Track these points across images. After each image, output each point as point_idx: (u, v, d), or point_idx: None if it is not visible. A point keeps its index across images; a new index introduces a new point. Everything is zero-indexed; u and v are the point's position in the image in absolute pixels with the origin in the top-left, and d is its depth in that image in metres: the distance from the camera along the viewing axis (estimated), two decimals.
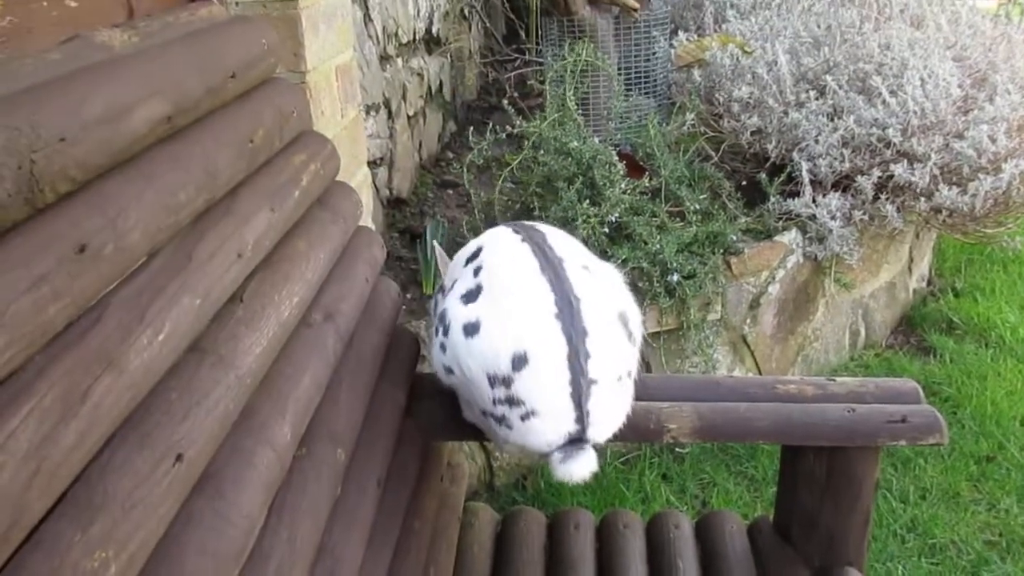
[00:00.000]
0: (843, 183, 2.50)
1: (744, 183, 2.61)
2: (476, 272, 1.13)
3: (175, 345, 0.81)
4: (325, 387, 1.06)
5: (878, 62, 2.61)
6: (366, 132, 2.20)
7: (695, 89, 2.82)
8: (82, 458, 0.66)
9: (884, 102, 2.46)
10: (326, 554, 0.94)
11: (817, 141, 2.48)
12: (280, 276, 1.04)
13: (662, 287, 2.15)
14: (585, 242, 1.68)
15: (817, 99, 2.55)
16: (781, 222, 2.45)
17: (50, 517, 0.62)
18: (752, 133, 2.61)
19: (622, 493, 2.15)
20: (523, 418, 1.04)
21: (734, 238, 2.33)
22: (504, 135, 2.38)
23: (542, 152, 2.38)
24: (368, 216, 1.76)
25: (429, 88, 3.01)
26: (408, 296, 2.18)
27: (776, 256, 2.39)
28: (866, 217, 2.45)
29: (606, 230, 2.20)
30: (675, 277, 2.16)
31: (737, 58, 2.76)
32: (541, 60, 3.27)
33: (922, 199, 2.44)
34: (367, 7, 2.38)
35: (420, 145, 2.90)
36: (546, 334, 1.03)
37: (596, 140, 2.44)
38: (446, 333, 1.09)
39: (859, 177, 2.43)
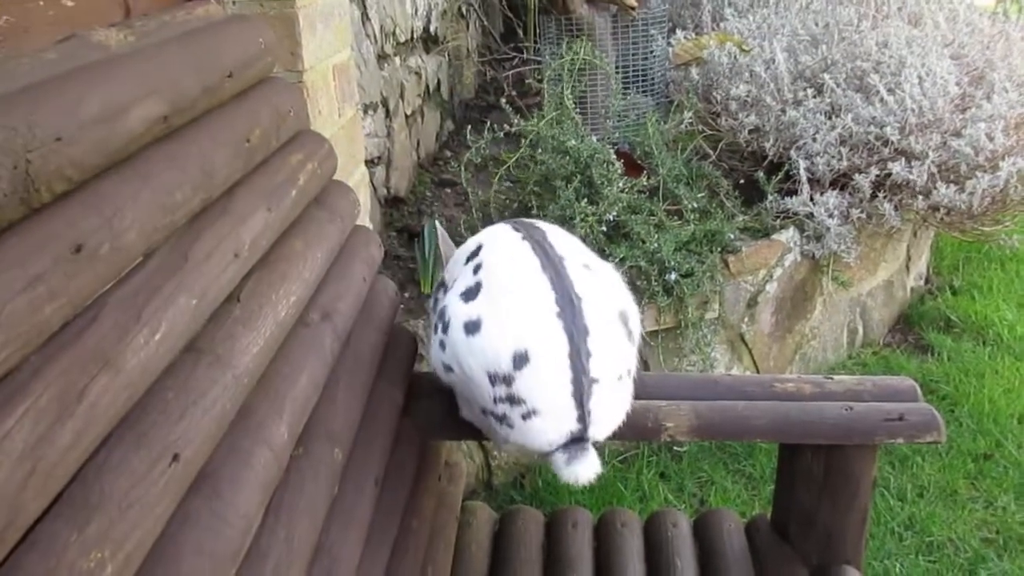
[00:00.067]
0: (841, 181, 2.50)
1: (742, 181, 2.62)
2: (476, 270, 1.13)
3: (171, 345, 0.81)
4: (322, 386, 1.06)
5: (876, 60, 2.61)
6: (364, 131, 2.20)
7: (693, 87, 2.82)
8: (78, 458, 0.66)
9: (882, 100, 2.46)
10: (323, 553, 0.94)
11: (815, 139, 2.48)
12: (277, 276, 1.04)
13: (660, 286, 2.15)
14: (583, 241, 1.68)
15: (815, 97, 2.55)
16: (779, 220, 2.45)
17: (46, 517, 0.62)
18: (750, 131, 2.61)
19: (620, 492, 2.15)
20: (524, 417, 1.04)
21: (732, 236, 2.33)
22: (502, 134, 2.38)
23: (540, 151, 2.37)
24: (365, 215, 1.76)
25: (427, 87, 3.01)
26: (406, 295, 2.18)
27: (774, 254, 2.39)
28: (864, 215, 2.45)
29: (604, 229, 2.20)
30: (673, 276, 2.16)
31: (735, 56, 2.76)
32: (539, 59, 3.27)
33: (920, 197, 2.44)
34: (365, 6, 2.38)
35: (418, 144, 2.90)
36: (547, 333, 1.03)
37: (594, 139, 2.44)
38: (446, 331, 1.09)
39: (857, 175, 2.43)
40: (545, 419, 1.04)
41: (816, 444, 1.25)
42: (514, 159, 2.44)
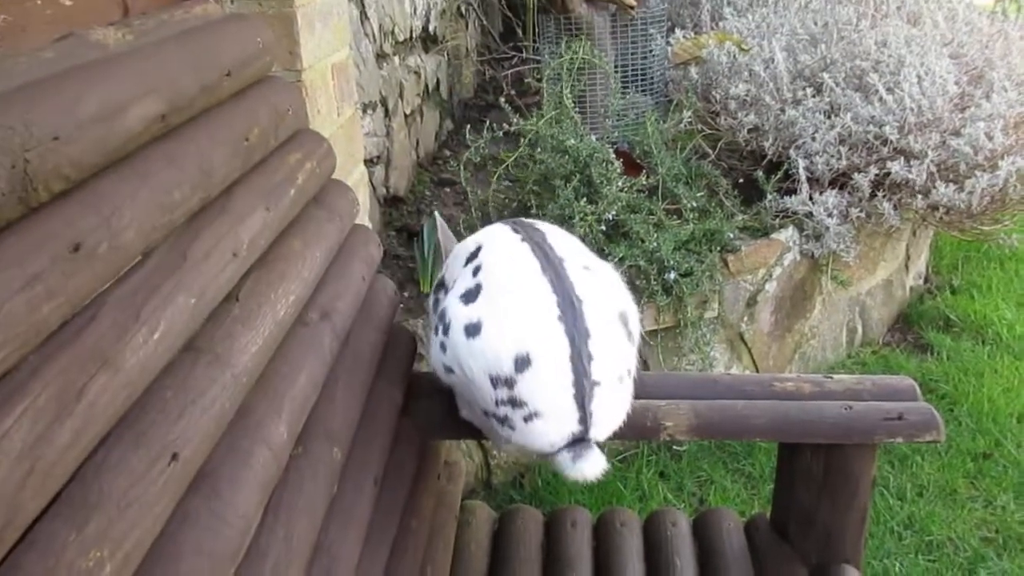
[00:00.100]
0: (840, 180, 2.50)
1: (741, 181, 2.62)
2: (475, 272, 1.12)
3: (170, 344, 0.81)
4: (321, 386, 1.06)
5: (875, 59, 2.61)
6: (363, 130, 2.20)
7: (692, 87, 2.82)
8: (77, 457, 0.66)
9: (881, 99, 2.46)
10: (323, 553, 0.94)
11: (814, 139, 2.48)
12: (276, 275, 1.04)
13: (659, 285, 2.15)
14: (582, 240, 1.67)
15: (814, 96, 2.55)
16: (778, 220, 2.45)
17: (45, 517, 0.62)
18: (749, 131, 2.61)
19: (620, 491, 2.15)
20: (526, 419, 1.04)
21: (731, 236, 2.33)
22: (501, 133, 2.38)
23: (539, 150, 2.37)
24: (364, 214, 1.76)
25: (426, 86, 3.01)
26: (405, 294, 2.18)
27: (773, 254, 2.39)
28: (863, 214, 2.45)
29: (603, 228, 2.20)
30: (672, 275, 2.16)
31: (734, 56, 2.76)
32: (538, 58, 3.27)
33: (919, 196, 2.44)
34: (363, 5, 2.37)
35: (417, 143, 2.90)
36: (549, 335, 1.03)
37: (593, 138, 2.44)
38: (446, 332, 1.09)
39: (856, 174, 2.43)
40: (547, 421, 1.04)
41: (815, 443, 1.25)
42: (513, 158, 2.44)
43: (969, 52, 2.77)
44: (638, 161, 2.50)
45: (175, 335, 0.81)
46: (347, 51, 1.67)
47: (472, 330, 1.05)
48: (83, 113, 0.77)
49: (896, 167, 2.39)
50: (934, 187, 2.39)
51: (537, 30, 3.20)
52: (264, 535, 0.84)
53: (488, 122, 2.43)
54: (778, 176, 2.48)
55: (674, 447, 2.31)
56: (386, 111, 2.55)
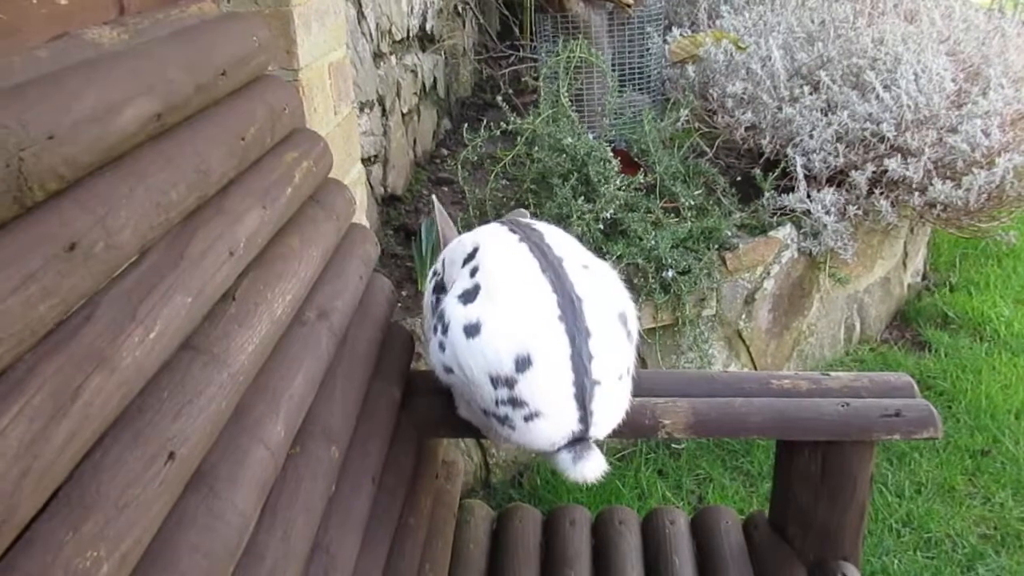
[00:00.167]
0: (837, 178, 2.51)
1: (739, 179, 2.62)
2: (473, 272, 1.12)
3: (167, 343, 0.80)
4: (319, 385, 1.06)
5: (872, 57, 2.61)
6: (360, 129, 2.20)
7: (689, 85, 2.82)
8: (73, 457, 0.66)
9: (878, 97, 2.46)
10: (321, 552, 0.94)
11: (811, 136, 2.48)
12: (273, 274, 1.04)
13: (657, 283, 2.15)
14: (580, 239, 1.67)
15: (811, 94, 2.55)
16: (776, 217, 2.45)
17: (41, 516, 0.62)
18: (746, 129, 2.61)
19: (618, 489, 2.15)
20: (527, 419, 1.04)
21: (729, 234, 2.33)
22: (498, 132, 2.37)
23: (536, 149, 2.37)
24: (362, 213, 1.76)
25: (423, 85, 3.01)
26: (403, 293, 2.18)
27: (771, 251, 2.39)
28: (860, 212, 2.45)
29: (601, 227, 2.19)
30: (670, 273, 2.16)
31: (731, 54, 2.76)
32: (535, 56, 3.26)
33: (916, 194, 2.44)
34: (360, 4, 2.37)
35: (415, 142, 2.90)
36: (549, 335, 1.03)
37: (590, 136, 2.43)
38: (445, 332, 1.08)
39: (853, 172, 2.43)
40: (547, 421, 1.04)
41: (813, 441, 1.25)
42: (510, 157, 2.44)
43: (966, 49, 2.77)
44: (635, 159, 2.50)
45: (172, 334, 0.81)
46: (344, 50, 1.67)
47: (471, 330, 1.05)
48: (78, 112, 0.77)
49: (893, 164, 2.39)
50: (931, 184, 2.39)
51: (534, 29, 3.20)
52: (262, 534, 0.84)
53: (485, 121, 2.43)
54: (776, 174, 2.48)
55: (673, 445, 2.31)
56: (383, 110, 2.55)
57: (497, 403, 1.05)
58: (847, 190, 2.47)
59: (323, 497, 0.96)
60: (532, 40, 3.45)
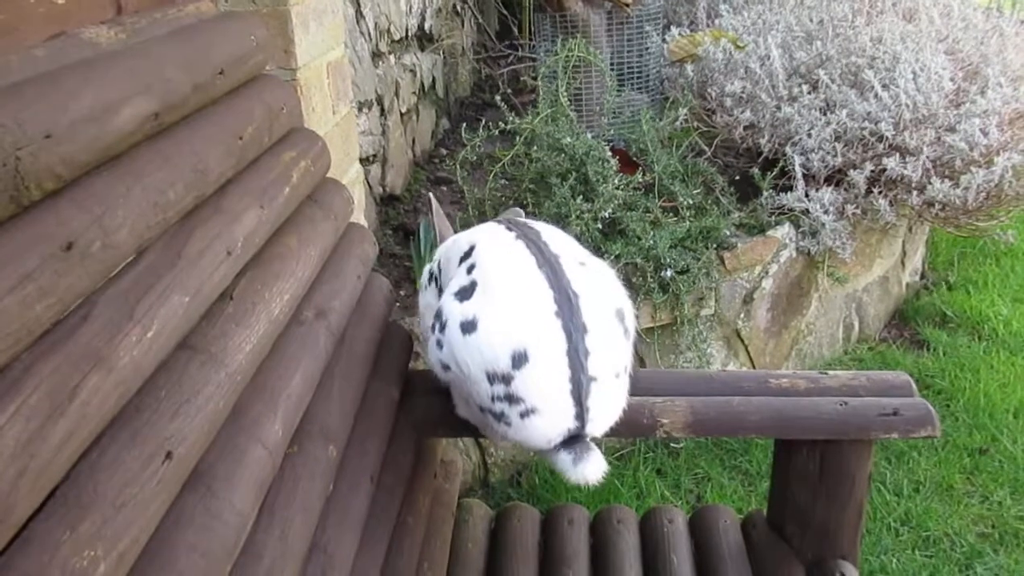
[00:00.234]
0: (836, 177, 2.51)
1: (737, 178, 2.62)
2: (470, 270, 1.12)
3: (164, 343, 0.80)
4: (317, 384, 1.06)
5: (870, 56, 2.61)
6: (359, 129, 2.20)
7: (688, 84, 2.82)
8: (71, 456, 0.66)
9: (876, 96, 2.46)
10: (319, 551, 0.94)
11: (810, 135, 2.48)
12: (271, 273, 1.04)
13: (656, 282, 2.15)
14: (578, 238, 1.67)
15: (810, 93, 2.56)
16: (774, 217, 2.45)
17: (38, 515, 0.62)
18: (745, 128, 2.61)
19: (617, 489, 2.15)
20: (523, 415, 1.04)
21: (727, 233, 2.33)
22: (497, 131, 2.37)
23: (535, 148, 2.37)
24: (360, 213, 1.76)
25: (422, 85, 3.01)
26: (401, 292, 2.18)
27: (769, 250, 2.40)
28: (859, 211, 2.45)
29: (599, 226, 2.19)
30: (669, 272, 2.16)
31: (730, 53, 2.76)
32: (534, 56, 3.26)
33: (914, 193, 2.44)
34: (359, 4, 2.37)
35: (413, 142, 2.90)
36: (546, 331, 1.03)
37: (589, 136, 2.43)
38: (442, 330, 1.09)
39: (852, 171, 2.43)
40: (544, 417, 1.04)
41: (812, 439, 1.25)
42: (509, 156, 2.44)
43: (964, 48, 2.77)
44: (634, 159, 2.50)
45: (169, 334, 0.81)
46: (342, 49, 1.67)
47: (468, 327, 1.05)
48: (76, 112, 0.77)
49: (892, 163, 2.39)
50: (930, 183, 2.39)
51: (533, 28, 3.20)
52: (260, 533, 0.84)
53: (484, 120, 2.43)
54: (774, 173, 2.48)
55: (671, 444, 2.31)
56: (382, 110, 2.55)
57: (493, 399, 1.05)
58: (845, 189, 2.47)
59: (321, 496, 0.96)
60: (531, 39, 3.45)
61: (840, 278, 2.59)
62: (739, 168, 2.67)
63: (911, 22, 2.88)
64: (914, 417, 1.20)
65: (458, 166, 2.44)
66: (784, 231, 2.43)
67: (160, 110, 0.92)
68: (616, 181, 2.25)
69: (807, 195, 2.43)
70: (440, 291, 1.20)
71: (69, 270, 0.71)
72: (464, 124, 2.56)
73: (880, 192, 2.44)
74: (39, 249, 0.68)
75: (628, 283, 2.07)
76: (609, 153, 2.31)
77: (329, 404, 1.06)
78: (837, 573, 1.26)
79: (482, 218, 2.29)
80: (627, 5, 2.88)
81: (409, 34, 2.88)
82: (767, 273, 2.42)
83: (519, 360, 1.02)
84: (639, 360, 2.27)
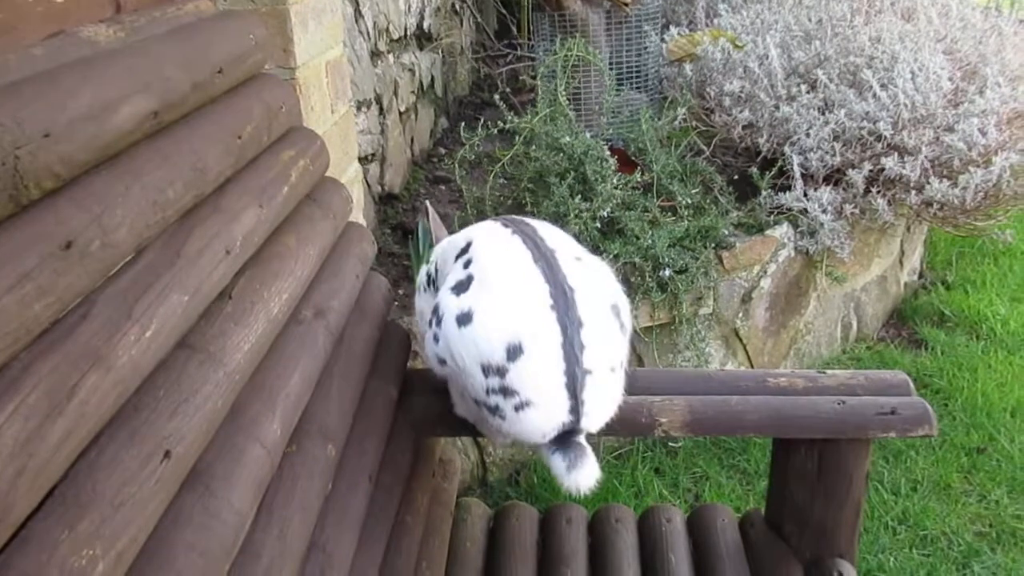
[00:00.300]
0: (834, 177, 2.51)
1: (736, 177, 2.62)
2: (466, 264, 1.13)
3: (163, 342, 0.80)
4: (316, 383, 1.06)
5: (869, 55, 2.61)
6: (357, 128, 2.20)
7: (686, 84, 2.82)
8: (69, 455, 0.66)
9: (875, 95, 2.47)
10: (317, 550, 0.94)
11: (808, 135, 2.48)
12: (269, 273, 1.04)
13: (654, 282, 2.15)
14: (577, 237, 1.67)
15: (808, 93, 2.56)
16: (773, 216, 2.45)
17: (37, 515, 0.62)
18: (743, 127, 2.61)
19: (615, 488, 2.15)
20: (517, 408, 1.04)
21: (726, 232, 2.33)
22: (496, 131, 2.37)
23: (534, 147, 2.37)
24: (359, 212, 1.76)
25: (421, 84, 3.01)
26: (400, 292, 2.18)
27: (768, 250, 2.40)
28: (857, 211, 2.46)
29: (598, 225, 2.19)
30: (667, 272, 2.16)
31: (728, 52, 2.76)
32: (533, 55, 3.26)
33: (913, 192, 2.44)
34: (358, 3, 2.37)
35: (412, 141, 2.89)
36: (541, 324, 1.03)
37: (588, 135, 2.43)
38: (439, 324, 1.09)
39: (850, 171, 2.43)
40: (538, 410, 1.04)
41: (810, 438, 1.25)
42: (508, 156, 2.44)
43: (963, 48, 2.78)
44: (633, 158, 2.50)
45: (168, 333, 0.81)
46: (341, 48, 1.67)
47: (463, 319, 1.05)
48: (74, 110, 0.77)
49: (890, 163, 2.39)
50: (928, 183, 2.40)
51: (532, 27, 3.20)
52: (258, 533, 0.84)
53: (483, 120, 2.43)
54: (772, 173, 2.48)
55: (669, 443, 2.32)
56: (381, 109, 2.55)
57: (488, 392, 1.04)
58: (844, 189, 2.47)
59: (320, 496, 0.97)
60: (530, 39, 3.44)
61: (838, 277, 2.60)
62: (738, 167, 2.67)
63: (909, 22, 2.88)
64: (912, 416, 1.20)
65: (457, 165, 2.44)
66: (782, 231, 2.43)
67: (159, 109, 0.92)
68: (615, 180, 2.25)
69: (805, 195, 2.43)
70: (437, 292, 1.20)
71: (68, 269, 0.71)
72: (463, 123, 2.55)
73: (878, 192, 2.44)
74: (38, 248, 0.68)
75: (626, 282, 2.08)
76: (608, 152, 2.31)
77: (328, 403, 1.06)
78: (835, 572, 1.26)
79: (480, 217, 2.29)
80: (626, 4, 2.88)
81: (408, 33, 2.88)
82: (765, 272, 2.42)
83: (514, 352, 1.02)
84: (637, 359, 2.27)
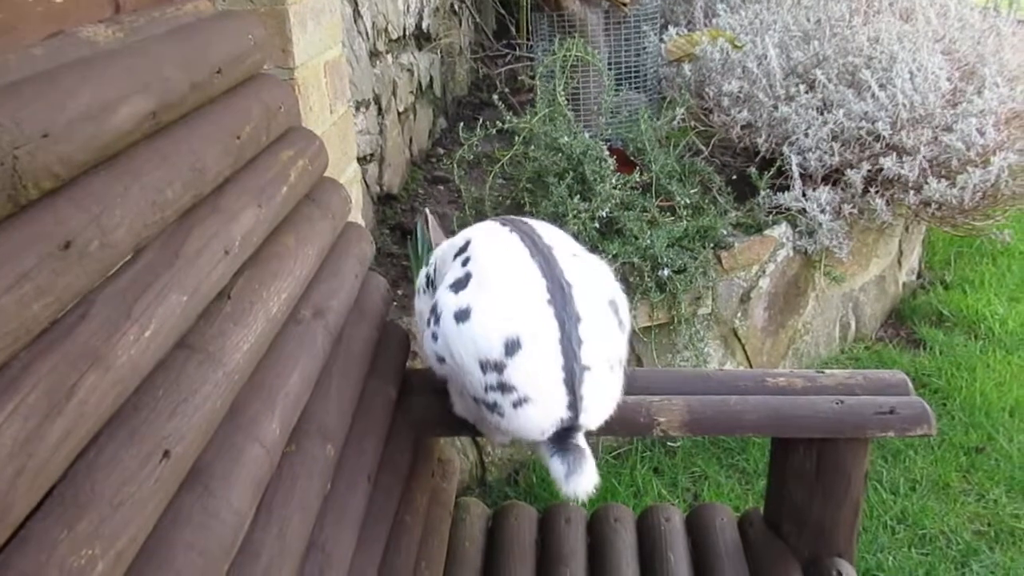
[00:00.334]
0: (833, 177, 2.51)
1: (734, 177, 2.62)
2: (465, 263, 1.13)
3: (162, 342, 0.81)
4: (315, 383, 1.06)
5: (867, 56, 2.61)
6: (356, 128, 2.20)
7: (685, 84, 2.82)
8: (68, 455, 0.66)
9: (873, 95, 2.47)
10: (316, 550, 0.94)
11: (807, 135, 2.48)
12: (268, 272, 1.04)
13: (653, 282, 2.15)
14: (576, 237, 1.67)
15: (807, 93, 2.56)
16: (771, 216, 2.45)
17: (36, 514, 0.62)
18: (742, 127, 2.61)
19: (614, 487, 2.15)
20: (516, 405, 1.04)
21: (725, 232, 2.33)
22: (494, 131, 2.38)
23: (532, 148, 2.37)
24: (358, 212, 1.76)
25: (419, 84, 3.01)
26: (399, 292, 2.18)
27: (766, 250, 2.40)
28: (855, 211, 2.46)
29: (597, 225, 2.20)
30: (666, 272, 2.16)
31: (727, 52, 2.76)
32: (531, 55, 3.27)
33: (911, 192, 2.44)
34: (356, 3, 2.37)
35: (411, 141, 2.90)
36: (538, 319, 1.03)
37: (586, 135, 2.44)
38: (437, 322, 1.09)
39: (848, 171, 2.44)
40: (536, 406, 1.04)
41: (808, 438, 1.25)
42: (508, 156, 2.44)
43: (961, 48, 2.78)
44: (631, 158, 2.50)
45: (167, 333, 0.81)
46: (340, 49, 1.67)
47: (461, 316, 1.05)
48: (73, 110, 0.77)
49: (888, 163, 2.39)
50: (926, 183, 2.40)
51: (530, 27, 3.20)
52: (257, 532, 0.84)
53: (482, 120, 2.43)
54: (771, 173, 2.48)
55: (668, 443, 2.32)
56: (379, 109, 2.55)
57: (487, 389, 1.04)
58: (842, 189, 2.47)
59: (319, 495, 0.97)
60: (528, 39, 3.44)
61: (837, 277, 2.60)
62: (736, 167, 2.68)
63: (908, 22, 2.89)
64: (910, 416, 1.20)
65: (455, 165, 2.44)
66: (781, 230, 2.43)
67: (158, 109, 0.92)
68: (613, 180, 2.25)
69: (804, 195, 2.44)
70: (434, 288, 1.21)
71: (67, 269, 0.71)
72: (461, 123, 2.55)
73: (877, 192, 2.45)
74: (37, 248, 0.68)
75: (625, 282, 2.08)
76: (606, 152, 2.32)
77: (327, 403, 1.06)
78: (833, 571, 1.26)
79: (480, 217, 2.29)
80: (624, 4, 2.89)
81: (407, 33, 2.88)
82: (764, 272, 2.42)
83: (511, 348, 1.02)
84: (636, 359, 2.27)
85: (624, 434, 2.10)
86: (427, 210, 1.45)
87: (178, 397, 0.79)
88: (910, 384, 1.28)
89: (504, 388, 1.03)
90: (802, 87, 2.57)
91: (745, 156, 2.71)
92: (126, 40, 0.98)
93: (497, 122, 2.36)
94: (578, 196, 2.21)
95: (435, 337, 1.09)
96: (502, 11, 3.75)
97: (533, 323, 1.03)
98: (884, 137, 2.43)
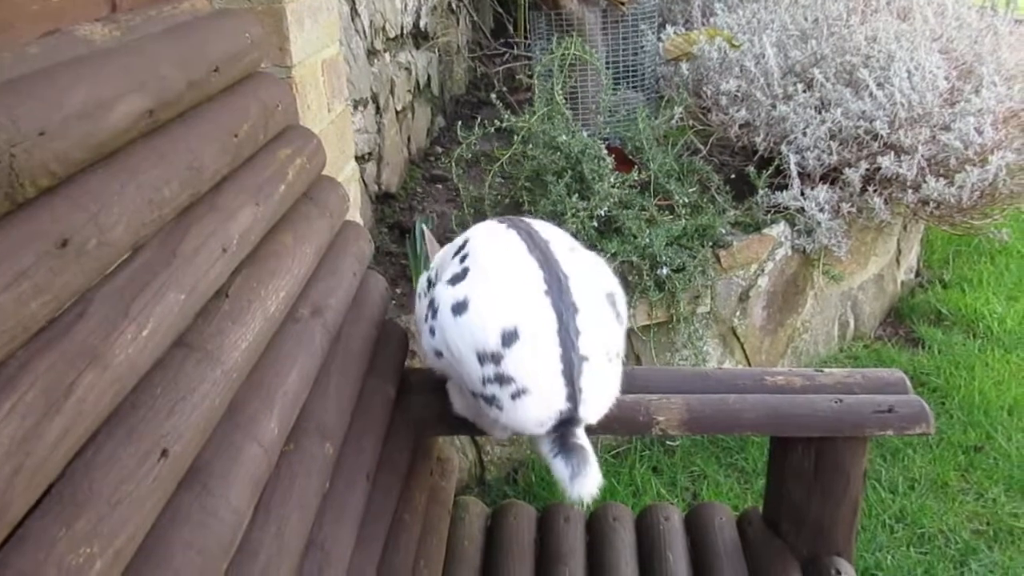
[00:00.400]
0: (831, 176, 2.51)
1: (733, 176, 2.62)
2: (463, 259, 1.13)
3: (160, 340, 0.80)
4: (313, 382, 1.06)
5: (865, 55, 2.61)
6: (354, 127, 2.20)
7: (683, 83, 2.82)
8: (66, 454, 0.66)
9: (871, 94, 2.47)
10: (315, 549, 0.94)
11: (805, 134, 2.48)
12: (266, 271, 1.04)
13: (652, 280, 2.15)
14: (574, 236, 1.67)
15: (805, 92, 2.56)
16: (770, 215, 2.45)
17: (34, 513, 0.62)
18: (740, 126, 2.61)
19: (613, 487, 2.15)
20: (514, 396, 1.03)
21: (723, 231, 2.33)
22: (493, 129, 2.37)
23: (531, 146, 2.37)
24: (356, 211, 1.75)
25: (417, 83, 3.01)
26: (398, 291, 2.18)
27: (765, 249, 2.40)
28: (854, 209, 2.46)
29: (595, 224, 2.20)
30: (664, 270, 2.16)
31: (725, 51, 2.76)
32: (529, 54, 3.26)
33: (909, 191, 2.45)
34: (354, 1, 2.37)
35: (409, 140, 2.89)
36: (536, 310, 1.03)
37: (585, 134, 2.43)
38: (435, 316, 1.08)
39: (847, 169, 2.44)
40: (535, 398, 1.03)
41: (807, 437, 1.25)
42: (507, 155, 2.44)
43: (959, 47, 2.78)
44: (630, 157, 2.50)
45: (165, 331, 0.81)
46: (337, 47, 1.67)
47: (459, 308, 1.05)
48: (69, 108, 0.77)
49: (886, 162, 2.39)
50: (924, 182, 2.40)
51: (528, 26, 3.20)
52: (256, 531, 0.84)
53: (480, 119, 2.43)
54: (769, 171, 2.48)
55: (667, 442, 2.32)
56: (377, 108, 2.55)
57: (484, 382, 1.04)
58: (841, 188, 2.47)
59: (317, 494, 0.96)
60: (526, 38, 3.44)
61: (835, 276, 2.60)
62: (735, 166, 2.68)
63: (905, 21, 2.89)
64: (909, 414, 1.20)
65: (454, 164, 2.44)
66: (780, 229, 2.43)
67: (155, 107, 0.92)
68: (612, 179, 2.25)
69: (802, 193, 2.44)
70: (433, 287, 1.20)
71: (64, 267, 0.70)
72: (459, 122, 2.55)
73: (875, 190, 2.45)
74: (34, 246, 0.68)
75: (624, 281, 2.08)
76: (605, 151, 2.31)
77: (325, 402, 1.06)
78: (832, 570, 1.26)
79: (478, 216, 2.29)
80: (622, 3, 2.88)
81: (404, 32, 2.88)
82: (763, 271, 2.42)
83: (509, 338, 1.02)
84: (635, 358, 2.27)
85: (623, 433, 2.10)
86: (423, 225, 1.45)
87: (176, 396, 0.79)
88: (908, 383, 1.28)
89: (502, 380, 1.02)
90: (800, 86, 2.57)
91: (743, 155, 2.71)
92: (122, 38, 0.98)
93: (495, 121, 2.36)
94: (576, 195, 2.20)
95: (433, 332, 1.09)
96: (500, 10, 3.75)
97: (531, 314, 1.02)
98: (882, 136, 2.43)
